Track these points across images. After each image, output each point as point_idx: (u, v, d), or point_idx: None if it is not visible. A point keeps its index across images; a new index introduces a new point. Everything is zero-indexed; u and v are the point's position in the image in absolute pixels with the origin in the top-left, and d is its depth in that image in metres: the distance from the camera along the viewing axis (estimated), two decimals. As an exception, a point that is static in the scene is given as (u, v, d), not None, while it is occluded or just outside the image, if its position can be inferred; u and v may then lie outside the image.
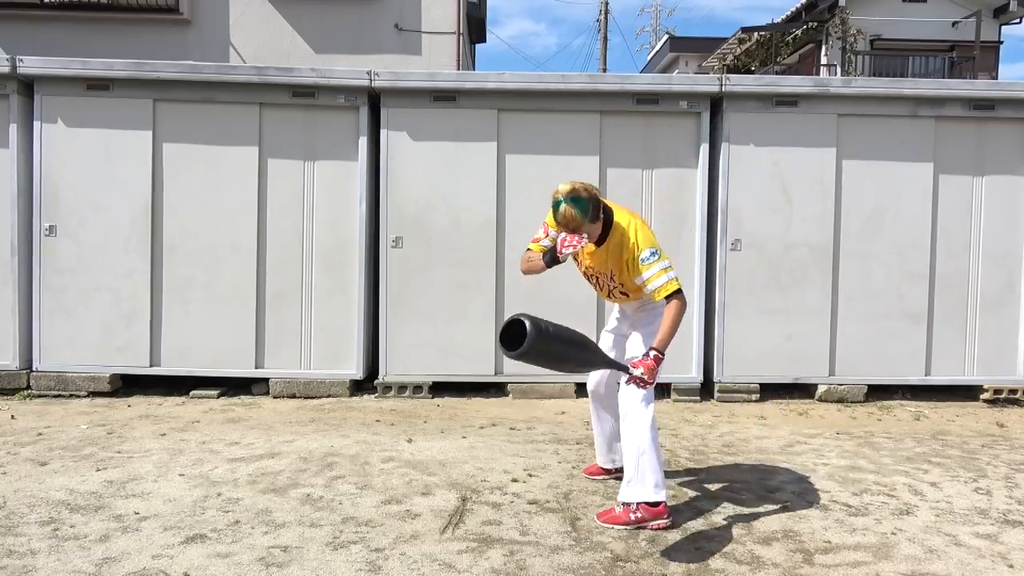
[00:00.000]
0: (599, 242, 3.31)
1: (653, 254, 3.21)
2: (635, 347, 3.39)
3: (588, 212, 3.13)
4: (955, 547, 3.08)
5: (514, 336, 2.93)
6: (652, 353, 3.14)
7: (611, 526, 3.22)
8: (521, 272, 3.52)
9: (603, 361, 3.22)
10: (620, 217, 3.30)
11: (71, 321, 5.59)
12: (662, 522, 3.22)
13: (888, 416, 5.36)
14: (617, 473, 3.76)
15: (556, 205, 3.14)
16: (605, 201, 3.31)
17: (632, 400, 3.25)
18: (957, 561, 2.95)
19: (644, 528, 3.20)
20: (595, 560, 2.91)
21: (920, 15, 17.45)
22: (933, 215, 5.73)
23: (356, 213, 5.67)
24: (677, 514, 3.35)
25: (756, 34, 19.03)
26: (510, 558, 2.91)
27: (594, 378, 3.68)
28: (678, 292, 3.20)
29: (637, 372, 3.12)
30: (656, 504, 3.21)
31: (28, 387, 5.60)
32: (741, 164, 5.64)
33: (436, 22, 11.46)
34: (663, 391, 5.81)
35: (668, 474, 3.90)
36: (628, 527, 3.20)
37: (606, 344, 3.64)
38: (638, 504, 3.21)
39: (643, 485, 3.21)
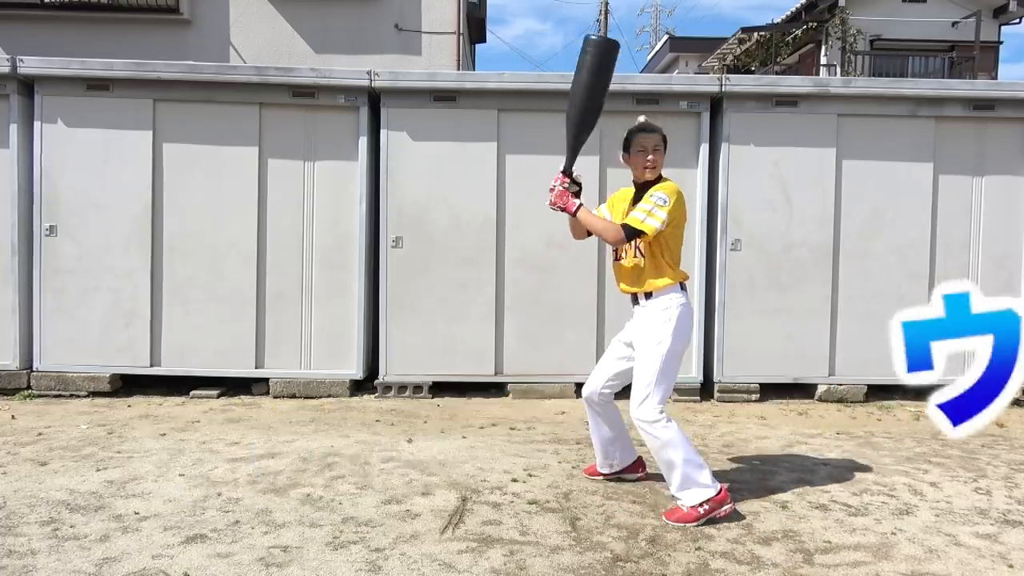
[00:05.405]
0: (644, 188, 3.45)
1: (664, 201, 3.32)
2: (639, 354, 3.45)
3: (665, 140, 3.47)
4: (955, 547, 3.08)
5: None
6: (558, 177, 3.39)
7: (683, 524, 3.25)
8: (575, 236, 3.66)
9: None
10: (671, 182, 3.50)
11: (71, 321, 5.59)
12: (727, 507, 3.31)
13: (888, 416, 5.36)
14: (615, 476, 3.78)
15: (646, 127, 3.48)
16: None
17: (644, 422, 3.32)
18: (957, 561, 2.95)
19: (714, 519, 3.28)
20: (595, 560, 2.91)
21: (920, 15, 17.45)
22: (933, 215, 5.73)
23: (356, 213, 5.67)
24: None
25: (756, 34, 19.04)
26: (510, 558, 2.91)
27: (588, 387, 3.67)
28: (635, 231, 3.31)
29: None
30: (717, 493, 3.28)
31: (28, 387, 5.60)
32: (741, 164, 5.64)
33: (436, 22, 11.44)
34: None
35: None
36: (699, 522, 3.25)
37: (615, 353, 3.64)
38: (701, 502, 3.28)
39: (696, 486, 3.28)
